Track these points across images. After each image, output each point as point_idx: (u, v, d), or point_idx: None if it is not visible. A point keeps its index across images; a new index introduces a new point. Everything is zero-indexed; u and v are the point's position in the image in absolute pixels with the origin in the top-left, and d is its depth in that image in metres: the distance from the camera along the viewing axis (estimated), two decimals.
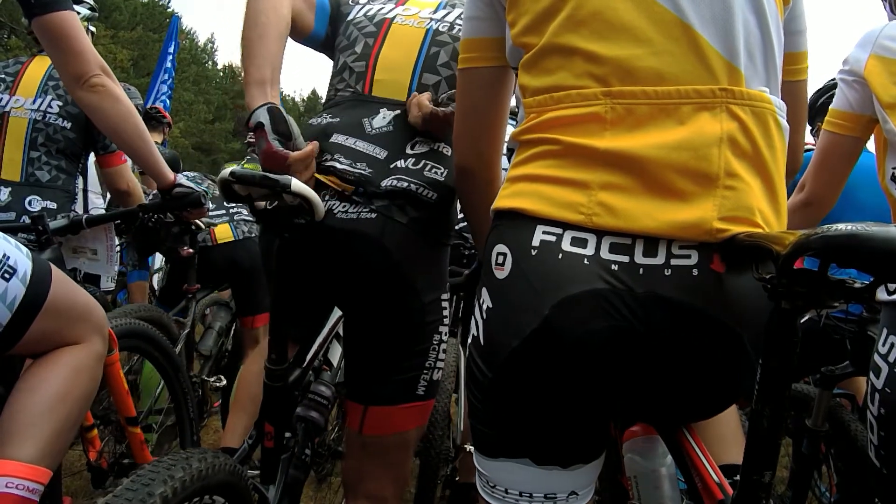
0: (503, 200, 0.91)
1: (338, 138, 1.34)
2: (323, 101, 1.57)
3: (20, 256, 1.16)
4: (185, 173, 4.21)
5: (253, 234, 3.22)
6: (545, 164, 0.87)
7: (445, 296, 1.42)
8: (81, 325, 1.26)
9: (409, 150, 1.34)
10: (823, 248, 0.63)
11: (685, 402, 0.92)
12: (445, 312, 1.43)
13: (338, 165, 1.29)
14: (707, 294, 0.79)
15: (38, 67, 2.36)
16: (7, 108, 2.26)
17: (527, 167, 0.89)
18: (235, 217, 3.22)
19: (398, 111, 1.37)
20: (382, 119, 1.35)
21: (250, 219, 3.23)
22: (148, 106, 6.05)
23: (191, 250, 2.73)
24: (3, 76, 2.32)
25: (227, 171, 1.14)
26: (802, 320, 1.25)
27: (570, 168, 0.84)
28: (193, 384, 2.68)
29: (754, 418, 0.73)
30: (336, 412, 2.19)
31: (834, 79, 1.72)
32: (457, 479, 2.36)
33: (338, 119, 1.37)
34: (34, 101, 2.28)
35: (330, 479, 2.34)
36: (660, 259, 0.79)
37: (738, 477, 0.97)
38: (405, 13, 1.51)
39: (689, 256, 0.79)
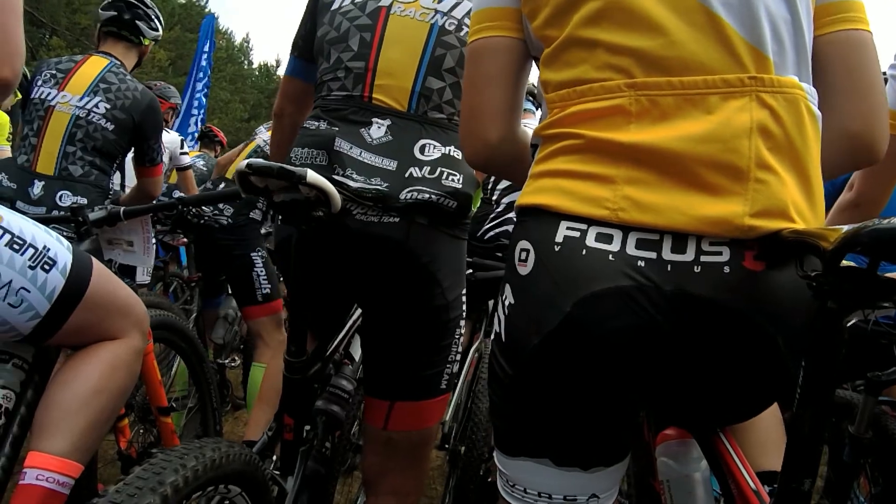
0: (526, 197, 0.89)
1: (342, 146, 1.29)
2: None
3: (60, 249, 1.18)
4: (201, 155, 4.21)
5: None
6: (568, 160, 0.84)
7: (464, 290, 1.42)
8: (121, 319, 1.27)
9: (419, 156, 1.29)
10: (874, 244, 0.59)
11: (715, 405, 0.89)
12: (464, 307, 1.43)
13: (351, 184, 1.24)
14: (738, 292, 0.76)
15: (93, 67, 2.41)
16: (53, 103, 2.32)
17: (549, 163, 0.87)
18: None
19: (389, 120, 1.31)
20: (378, 129, 1.30)
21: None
22: (203, 126, 6.26)
23: (185, 240, 2.70)
24: (54, 72, 2.37)
25: (243, 162, 1.14)
26: (849, 324, 1.20)
27: (593, 162, 0.81)
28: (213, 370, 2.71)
29: (795, 423, 0.70)
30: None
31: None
32: (489, 479, 2.35)
33: (337, 128, 1.32)
34: (81, 99, 2.33)
35: (354, 473, 2.35)
36: (689, 256, 0.76)
37: (776, 485, 0.94)
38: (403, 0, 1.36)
39: (719, 253, 0.76)
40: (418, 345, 1.38)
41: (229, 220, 2.87)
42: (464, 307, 1.42)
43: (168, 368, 2.80)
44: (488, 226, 2.54)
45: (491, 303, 2.64)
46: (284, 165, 1.12)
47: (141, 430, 1.98)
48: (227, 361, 3.17)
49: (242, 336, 3.55)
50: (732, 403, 0.88)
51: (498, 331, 0.90)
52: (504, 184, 2.59)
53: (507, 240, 2.51)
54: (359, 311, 1.52)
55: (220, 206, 2.83)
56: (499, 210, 2.54)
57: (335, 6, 1.40)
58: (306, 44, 1.48)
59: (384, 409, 1.41)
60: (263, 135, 3.17)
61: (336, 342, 1.47)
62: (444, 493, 2.34)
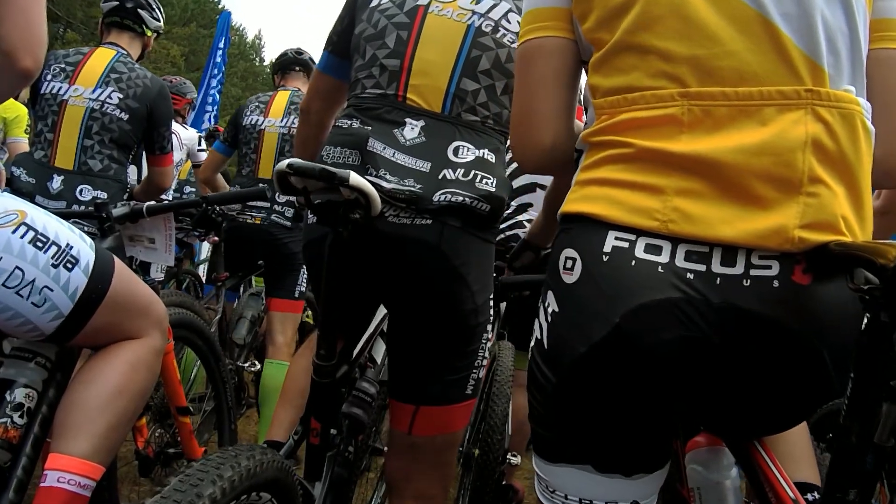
0: (572, 204, 0.88)
1: (375, 146, 1.28)
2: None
3: (83, 247, 1.17)
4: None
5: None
6: (617, 168, 0.84)
7: (491, 294, 1.41)
8: (141, 319, 1.26)
9: (453, 158, 1.28)
10: None
11: (757, 415, 0.89)
12: (492, 311, 1.41)
13: (385, 185, 1.23)
14: (787, 306, 0.76)
15: (101, 59, 2.41)
16: (66, 97, 2.31)
17: (597, 171, 0.86)
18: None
19: (423, 121, 1.30)
20: (412, 130, 1.29)
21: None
22: (212, 126, 6.30)
23: (216, 238, 2.71)
24: (63, 65, 2.37)
25: (284, 162, 1.13)
26: None
27: (643, 172, 0.81)
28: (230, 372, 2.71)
29: (842, 434, 0.70)
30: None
31: None
32: (503, 482, 2.34)
33: (370, 127, 1.31)
34: (94, 91, 2.33)
35: (367, 475, 2.34)
36: (738, 269, 0.76)
37: (808, 495, 0.93)
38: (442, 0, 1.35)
39: (769, 267, 0.76)
40: (445, 349, 1.36)
41: (292, 221, 2.89)
42: (491, 311, 1.41)
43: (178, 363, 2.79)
44: (499, 227, 2.51)
45: (503, 305, 2.63)
46: (326, 167, 1.11)
47: (157, 431, 1.97)
48: (246, 365, 3.14)
49: (261, 339, 3.55)
50: (774, 414, 0.88)
51: (539, 337, 0.90)
52: (515, 184, 2.57)
53: (517, 243, 2.49)
54: (383, 312, 1.51)
55: (278, 207, 2.84)
56: (509, 212, 2.51)
57: (374, 3, 1.40)
58: (341, 40, 1.47)
59: (409, 413, 1.40)
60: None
61: (362, 344, 1.46)
62: (457, 495, 2.33)
